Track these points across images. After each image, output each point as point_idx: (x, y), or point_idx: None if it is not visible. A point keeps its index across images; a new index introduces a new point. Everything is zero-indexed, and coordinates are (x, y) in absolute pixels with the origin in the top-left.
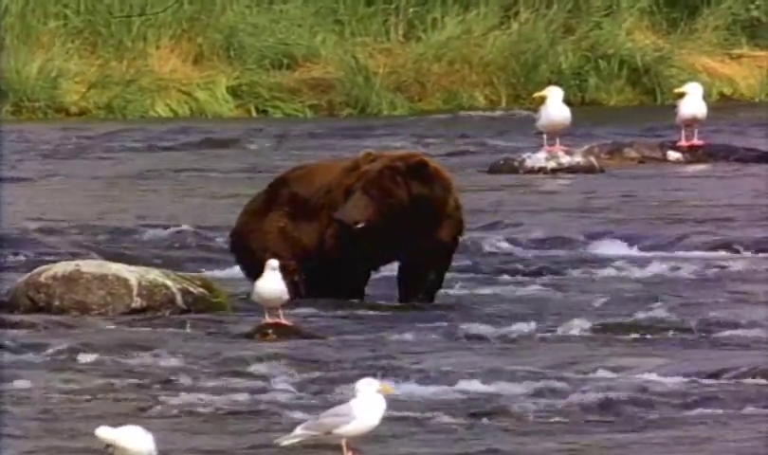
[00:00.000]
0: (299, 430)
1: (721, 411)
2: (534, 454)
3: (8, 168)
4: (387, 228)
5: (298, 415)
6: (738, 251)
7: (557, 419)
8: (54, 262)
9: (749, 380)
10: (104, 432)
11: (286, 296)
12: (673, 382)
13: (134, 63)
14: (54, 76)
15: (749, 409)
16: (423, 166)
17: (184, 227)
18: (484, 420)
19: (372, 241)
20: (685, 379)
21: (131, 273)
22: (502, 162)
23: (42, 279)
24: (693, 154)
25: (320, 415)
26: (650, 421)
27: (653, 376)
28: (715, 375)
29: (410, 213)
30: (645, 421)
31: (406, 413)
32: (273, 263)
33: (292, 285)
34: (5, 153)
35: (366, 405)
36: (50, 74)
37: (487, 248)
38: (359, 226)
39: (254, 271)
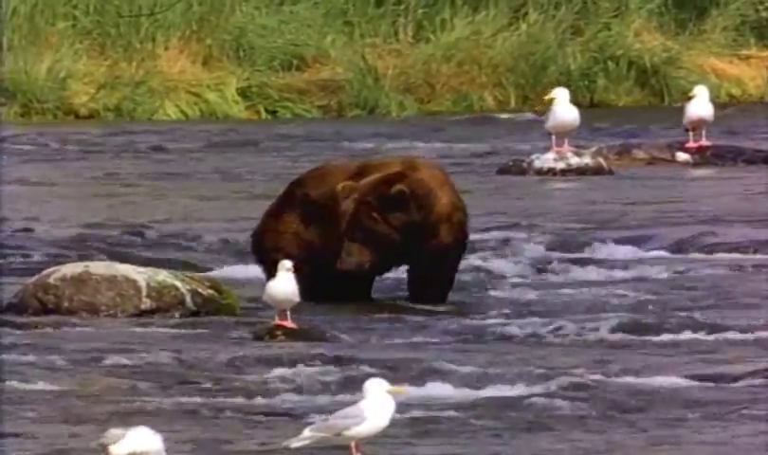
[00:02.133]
0: (308, 432)
1: (722, 412)
2: (542, 453)
3: (17, 169)
4: (388, 258)
5: (307, 417)
6: (746, 252)
7: (564, 419)
8: (63, 263)
9: (751, 381)
10: (117, 449)
11: (297, 298)
12: (677, 383)
13: (143, 64)
14: (63, 77)
15: (751, 410)
16: (400, 194)
17: (193, 228)
18: (494, 421)
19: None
20: (689, 381)
21: (140, 274)
22: (510, 163)
23: (51, 280)
24: (701, 156)
25: (329, 417)
26: (653, 421)
27: (659, 377)
28: (719, 377)
29: (402, 238)
30: (648, 421)
31: (415, 414)
32: (286, 264)
33: (305, 287)
34: (14, 154)
35: (376, 406)
36: (59, 75)
37: (496, 250)
38: (366, 267)
39: (269, 271)
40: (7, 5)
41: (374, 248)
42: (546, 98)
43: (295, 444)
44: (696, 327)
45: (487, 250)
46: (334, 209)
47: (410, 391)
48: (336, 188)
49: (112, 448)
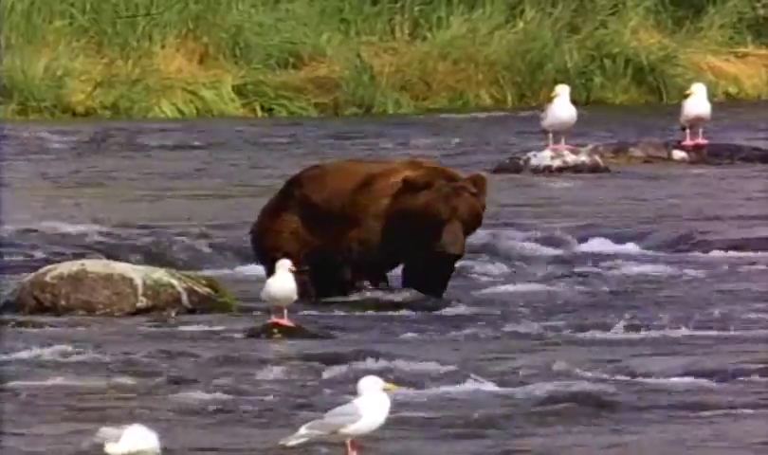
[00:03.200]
0: (303, 430)
1: (721, 410)
2: (539, 452)
3: (13, 167)
4: None
5: (302, 415)
6: (742, 250)
7: (562, 417)
8: (59, 261)
9: (750, 379)
10: (113, 448)
11: (295, 296)
12: (675, 381)
13: (139, 62)
14: (60, 75)
15: (750, 409)
16: (482, 180)
17: (189, 226)
18: (489, 419)
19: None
20: (687, 378)
21: (136, 272)
22: (507, 161)
23: (47, 278)
24: (698, 154)
25: (325, 415)
26: (651, 420)
27: (656, 375)
28: (717, 374)
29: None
30: (646, 420)
31: (410, 412)
32: (285, 262)
33: (302, 286)
34: (11, 152)
35: (371, 404)
36: (56, 73)
37: (492, 248)
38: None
39: (269, 270)
40: (3, 2)
41: (466, 231)
42: (552, 95)
43: (291, 442)
44: (693, 324)
45: (484, 248)
46: (333, 209)
47: (405, 388)
48: (337, 190)
49: (108, 447)
